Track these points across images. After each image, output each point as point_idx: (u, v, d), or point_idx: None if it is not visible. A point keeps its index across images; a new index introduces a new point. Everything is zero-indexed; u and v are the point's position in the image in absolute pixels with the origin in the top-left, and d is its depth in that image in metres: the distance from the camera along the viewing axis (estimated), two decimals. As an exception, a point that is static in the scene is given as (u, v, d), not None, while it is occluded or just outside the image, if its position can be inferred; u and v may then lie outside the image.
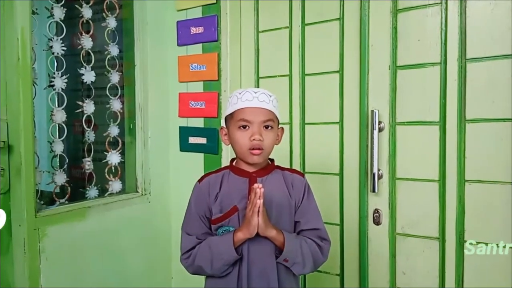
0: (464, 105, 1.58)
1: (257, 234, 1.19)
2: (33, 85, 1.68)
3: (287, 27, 1.96)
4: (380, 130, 1.72)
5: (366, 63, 1.75)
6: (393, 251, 1.75)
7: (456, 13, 1.57)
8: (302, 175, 1.37)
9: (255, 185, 1.15)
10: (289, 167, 1.95)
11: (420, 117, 1.67)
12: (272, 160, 1.36)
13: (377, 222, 1.76)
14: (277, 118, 1.28)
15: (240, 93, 1.26)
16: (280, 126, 1.32)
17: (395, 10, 1.69)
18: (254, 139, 1.22)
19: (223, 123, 1.36)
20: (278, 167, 1.36)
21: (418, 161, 1.68)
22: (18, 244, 1.61)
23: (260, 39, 2.05)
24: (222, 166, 1.39)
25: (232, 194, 1.27)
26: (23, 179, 1.60)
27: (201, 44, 2.10)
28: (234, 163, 1.33)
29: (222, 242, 1.23)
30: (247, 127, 1.23)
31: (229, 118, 1.28)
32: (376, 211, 1.76)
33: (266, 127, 1.24)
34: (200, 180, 1.32)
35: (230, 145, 1.30)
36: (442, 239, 1.64)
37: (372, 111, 1.70)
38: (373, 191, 1.72)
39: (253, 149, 1.23)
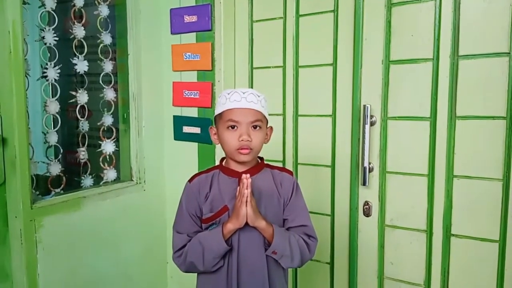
0: (455, 102, 1.59)
1: (247, 225, 1.21)
2: (26, 76, 1.68)
3: (281, 17, 1.94)
4: (372, 124, 1.73)
5: (360, 57, 1.74)
6: (382, 242, 1.79)
7: (449, 9, 1.56)
8: (291, 173, 1.38)
9: (243, 175, 1.17)
10: (282, 157, 2.00)
11: (411, 113, 1.68)
12: (261, 159, 1.37)
13: (367, 214, 1.80)
14: (265, 117, 1.29)
15: (228, 93, 1.26)
16: (269, 125, 1.33)
17: (389, 4, 1.68)
18: (242, 140, 1.23)
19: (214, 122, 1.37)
20: (268, 165, 1.37)
21: (408, 155, 1.70)
22: (14, 235, 1.64)
23: (254, 29, 2.03)
24: (213, 166, 1.40)
25: (222, 194, 1.29)
26: (18, 171, 1.62)
27: (194, 33, 2.08)
28: (223, 163, 1.35)
29: (212, 234, 1.25)
30: (235, 127, 1.24)
31: (218, 118, 1.29)
32: (366, 203, 1.79)
33: (255, 127, 1.25)
34: (190, 180, 1.33)
35: (219, 144, 1.32)
36: (429, 232, 1.68)
37: (365, 105, 1.71)
38: (364, 184, 1.75)
39: (242, 148, 1.24)
